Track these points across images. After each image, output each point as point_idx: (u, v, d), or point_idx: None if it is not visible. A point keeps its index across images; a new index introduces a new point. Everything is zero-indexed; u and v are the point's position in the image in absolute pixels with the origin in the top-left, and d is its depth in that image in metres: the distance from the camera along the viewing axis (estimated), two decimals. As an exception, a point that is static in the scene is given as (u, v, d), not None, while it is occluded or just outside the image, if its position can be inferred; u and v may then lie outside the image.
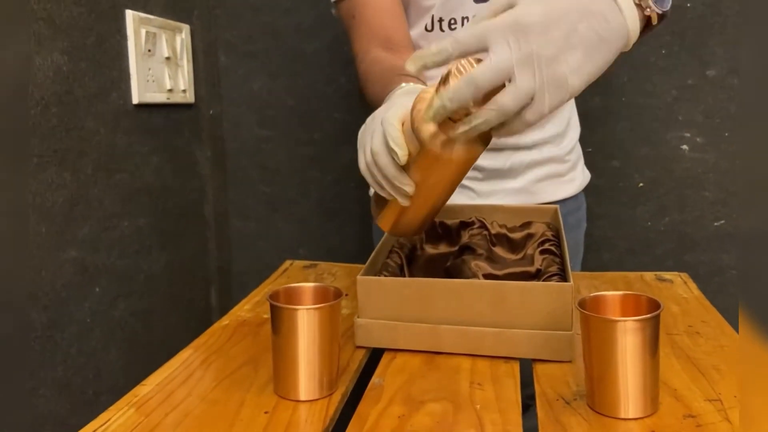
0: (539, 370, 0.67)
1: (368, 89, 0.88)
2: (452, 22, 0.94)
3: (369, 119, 0.70)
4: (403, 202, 0.66)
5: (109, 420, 0.59)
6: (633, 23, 0.57)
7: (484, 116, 0.55)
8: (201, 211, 1.39)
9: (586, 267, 1.29)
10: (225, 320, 0.83)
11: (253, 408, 0.60)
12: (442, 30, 0.94)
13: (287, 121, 1.44)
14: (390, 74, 0.81)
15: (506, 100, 0.53)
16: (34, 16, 0.89)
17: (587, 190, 1.19)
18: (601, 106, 1.33)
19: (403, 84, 0.75)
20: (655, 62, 1.30)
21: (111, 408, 0.61)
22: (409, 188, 0.64)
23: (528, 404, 0.63)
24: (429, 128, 0.60)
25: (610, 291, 0.61)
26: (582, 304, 0.59)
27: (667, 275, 0.96)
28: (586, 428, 0.56)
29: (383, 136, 0.64)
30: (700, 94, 1.30)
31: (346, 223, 1.46)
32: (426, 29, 0.95)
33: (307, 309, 0.61)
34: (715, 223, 1.33)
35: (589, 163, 1.34)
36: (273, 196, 1.47)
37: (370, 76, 0.87)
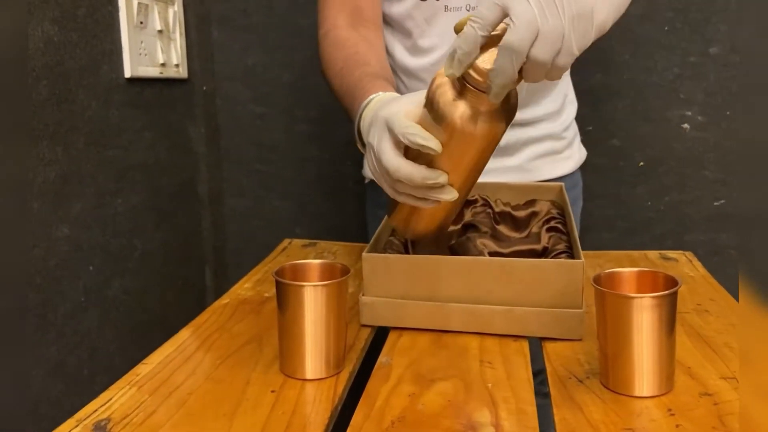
0: (549, 348, 0.66)
1: (330, 75, 0.86)
2: None
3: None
4: (447, 197, 0.60)
5: (110, 399, 0.57)
6: None
7: (500, 62, 0.52)
8: (195, 189, 1.37)
9: (585, 246, 1.28)
10: (225, 299, 0.81)
11: (260, 386, 0.59)
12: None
13: (283, 98, 1.41)
14: (356, 71, 0.79)
15: (513, 35, 0.51)
16: (24, -16, 0.86)
17: (587, 168, 1.17)
18: (602, 83, 1.31)
19: (373, 95, 0.72)
20: (658, 39, 1.28)
21: (112, 387, 0.59)
22: (444, 178, 0.59)
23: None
24: (457, 104, 0.56)
25: (627, 268, 0.60)
26: (597, 280, 0.58)
27: (671, 254, 0.95)
28: (600, 406, 0.55)
29: (392, 146, 0.60)
30: (702, 71, 1.28)
31: (343, 201, 1.44)
32: None
33: (315, 286, 0.59)
34: (715, 203, 1.33)
35: (589, 142, 1.32)
36: (268, 174, 1.44)
37: (333, 64, 0.85)
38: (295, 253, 0.99)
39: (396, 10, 0.95)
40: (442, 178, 0.58)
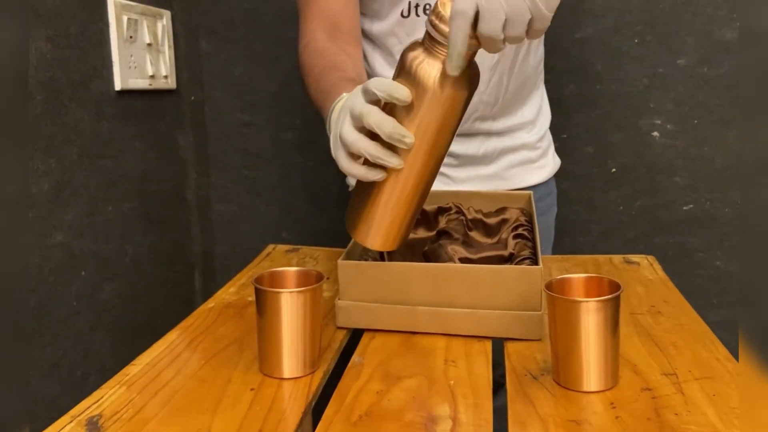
0: (510, 348, 0.71)
1: (308, 82, 0.89)
2: (427, 6, 0.96)
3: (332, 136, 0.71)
4: (396, 163, 0.64)
5: (101, 398, 0.62)
6: None
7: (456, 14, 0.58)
8: (184, 196, 1.41)
9: (562, 250, 1.33)
10: (210, 303, 0.86)
11: (240, 385, 0.64)
12: (417, 15, 0.96)
13: (269, 107, 1.46)
14: (330, 76, 0.84)
15: None
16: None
17: (563, 175, 1.23)
18: (576, 93, 1.37)
19: (345, 93, 0.76)
20: (628, 51, 1.34)
21: (102, 387, 0.64)
22: (410, 139, 0.63)
23: (500, 383, 0.67)
24: (425, 67, 0.62)
25: (576, 274, 0.65)
26: (549, 286, 0.63)
27: (634, 258, 1.00)
28: (551, 401, 0.60)
29: (364, 97, 0.64)
30: (670, 82, 1.34)
31: (327, 206, 1.49)
32: (402, 15, 0.97)
33: (291, 292, 0.64)
34: (684, 208, 1.38)
35: (564, 149, 1.38)
36: (255, 181, 1.49)
37: (311, 70, 0.89)
38: (279, 258, 1.04)
39: (378, 27, 1.00)
40: (408, 139, 0.63)
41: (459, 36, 0.59)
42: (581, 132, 1.38)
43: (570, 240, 1.42)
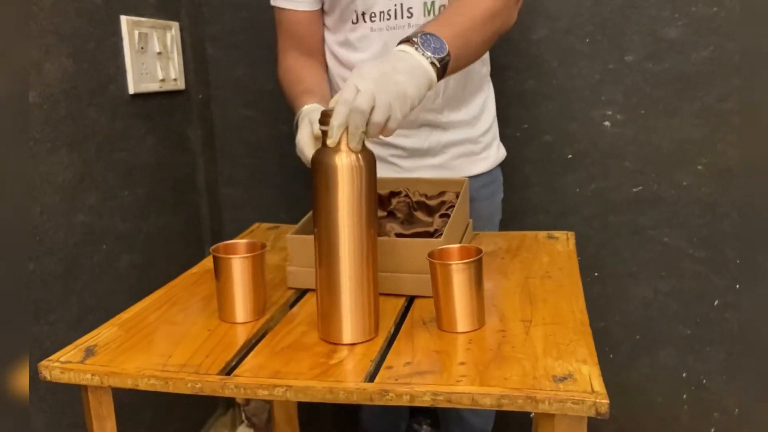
0: (416, 303, 0.90)
1: (283, 91, 1.18)
2: (372, 15, 1.14)
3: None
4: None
5: (98, 334, 0.84)
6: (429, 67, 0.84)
7: (338, 108, 0.77)
8: (194, 181, 1.63)
9: (525, 227, 1.51)
10: (195, 269, 1.07)
11: (201, 327, 0.85)
12: (365, 21, 1.15)
13: (267, 103, 1.66)
14: (295, 89, 1.12)
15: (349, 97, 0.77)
16: (43, 30, 1.13)
17: (525, 161, 1.40)
18: (534, 88, 1.53)
19: (301, 108, 1.04)
20: (581, 49, 1.49)
21: (100, 327, 0.86)
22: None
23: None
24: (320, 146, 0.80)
25: (454, 245, 0.83)
26: (431, 254, 0.82)
27: (556, 234, 1.17)
28: (428, 338, 0.79)
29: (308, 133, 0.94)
30: (619, 76, 1.48)
31: (319, 190, 1.69)
32: (353, 22, 1.16)
33: (239, 258, 0.84)
34: (634, 189, 1.53)
35: (525, 138, 1.55)
36: (256, 168, 1.70)
37: (284, 83, 1.18)
38: (260, 234, 1.24)
39: (334, 38, 1.20)
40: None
41: (341, 115, 0.76)
42: (540, 122, 1.54)
43: (532, 218, 1.59)
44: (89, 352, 0.79)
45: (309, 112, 0.97)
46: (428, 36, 0.86)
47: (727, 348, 1.58)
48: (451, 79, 1.18)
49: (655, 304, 1.58)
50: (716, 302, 1.56)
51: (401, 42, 0.87)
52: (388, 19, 1.14)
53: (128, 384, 0.74)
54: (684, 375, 1.62)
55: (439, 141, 1.22)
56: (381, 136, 0.80)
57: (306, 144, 0.93)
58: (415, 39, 0.85)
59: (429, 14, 1.13)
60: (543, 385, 0.67)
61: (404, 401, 0.68)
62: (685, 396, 1.63)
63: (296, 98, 1.09)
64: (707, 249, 1.53)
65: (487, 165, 1.27)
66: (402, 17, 1.13)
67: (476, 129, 1.25)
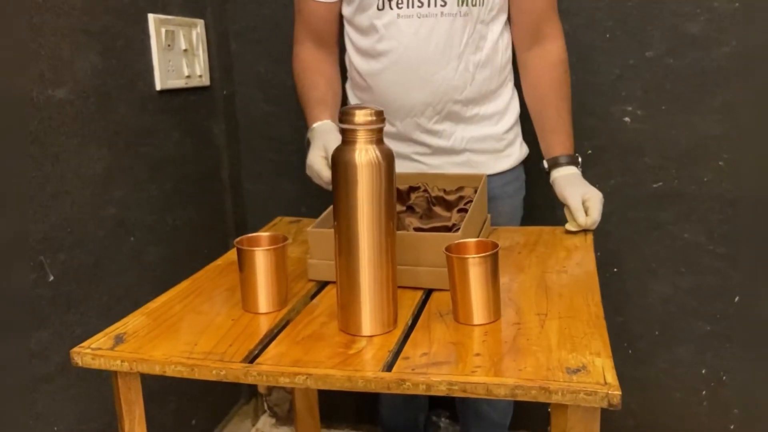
0: (434, 296, 0.92)
1: (296, 85, 1.25)
2: (399, 1, 1.15)
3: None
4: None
5: (127, 323, 0.87)
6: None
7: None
8: (219, 176, 1.67)
9: (545, 222, 1.52)
10: (219, 261, 1.10)
11: (225, 317, 0.88)
12: (391, 8, 1.16)
13: (289, 99, 1.68)
14: (309, 93, 1.21)
15: None
16: (74, 28, 1.16)
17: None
18: (554, 83, 1.53)
19: (315, 124, 1.14)
20: (600, 45, 1.49)
21: (129, 315, 0.89)
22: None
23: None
24: None
25: (471, 239, 0.85)
26: (448, 248, 0.83)
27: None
28: (444, 330, 0.81)
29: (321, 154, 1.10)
30: (639, 72, 1.48)
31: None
32: (378, 8, 1.17)
33: (261, 250, 0.87)
34: (654, 185, 1.54)
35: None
36: (279, 163, 1.73)
37: (298, 81, 1.25)
38: (282, 227, 1.27)
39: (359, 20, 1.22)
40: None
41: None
42: (560, 118, 1.54)
43: (552, 213, 1.59)
44: (119, 339, 0.82)
45: (322, 134, 1.07)
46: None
47: (747, 344, 1.58)
48: (477, 71, 1.19)
49: (674, 299, 1.59)
50: (736, 299, 1.55)
51: (570, 164, 1.24)
52: (419, 6, 1.14)
53: (156, 370, 0.77)
54: (703, 371, 1.62)
55: (462, 137, 1.23)
56: None
57: (322, 167, 1.09)
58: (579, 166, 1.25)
59: (462, 4, 1.13)
60: (556, 376, 0.69)
61: (420, 390, 0.70)
62: (704, 392, 1.63)
63: (309, 105, 1.19)
64: (727, 245, 1.52)
65: (510, 162, 1.29)
66: (435, 5, 1.14)
67: (500, 126, 1.26)
